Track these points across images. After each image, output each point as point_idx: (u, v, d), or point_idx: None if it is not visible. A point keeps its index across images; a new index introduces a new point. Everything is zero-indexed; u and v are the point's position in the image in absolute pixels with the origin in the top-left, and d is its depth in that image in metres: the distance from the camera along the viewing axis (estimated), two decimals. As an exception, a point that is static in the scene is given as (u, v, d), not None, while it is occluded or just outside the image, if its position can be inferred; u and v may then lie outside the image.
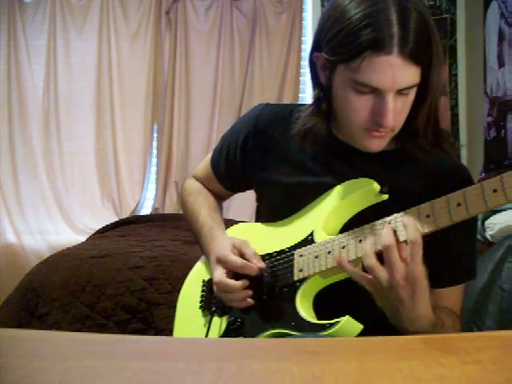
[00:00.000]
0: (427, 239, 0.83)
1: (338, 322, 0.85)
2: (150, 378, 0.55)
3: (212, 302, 1.07)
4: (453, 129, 3.37)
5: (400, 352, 0.64)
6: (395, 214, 0.87)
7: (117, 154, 3.35)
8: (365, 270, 0.86)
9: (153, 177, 3.45)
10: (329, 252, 0.92)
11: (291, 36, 3.40)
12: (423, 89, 0.91)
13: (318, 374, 0.55)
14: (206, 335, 1.04)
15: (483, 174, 2.94)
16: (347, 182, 0.98)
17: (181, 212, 1.32)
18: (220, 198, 1.27)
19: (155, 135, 3.43)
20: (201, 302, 1.10)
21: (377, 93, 0.88)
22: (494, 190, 0.77)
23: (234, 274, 1.01)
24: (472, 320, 1.26)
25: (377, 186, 0.93)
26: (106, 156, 3.35)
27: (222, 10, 3.40)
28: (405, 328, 0.85)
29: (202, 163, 1.27)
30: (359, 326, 0.85)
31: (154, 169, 3.45)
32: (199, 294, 1.11)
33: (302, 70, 3.42)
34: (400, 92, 0.88)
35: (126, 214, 3.28)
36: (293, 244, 1.00)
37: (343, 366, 0.58)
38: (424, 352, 0.64)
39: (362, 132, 0.94)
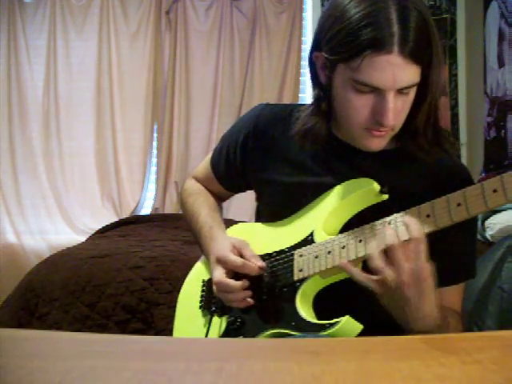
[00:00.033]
0: (427, 239, 0.83)
1: (338, 322, 0.85)
2: (149, 378, 0.55)
3: (212, 302, 1.07)
4: (453, 129, 3.37)
5: (400, 352, 0.64)
6: (395, 214, 0.87)
7: (117, 154, 3.35)
8: (365, 270, 0.86)
9: (153, 177, 3.45)
10: (329, 252, 0.92)
11: (291, 36, 3.40)
12: (423, 88, 0.91)
13: (318, 373, 0.55)
14: (206, 335, 1.04)
15: (483, 174, 2.94)
16: (347, 181, 0.98)
17: (181, 212, 1.32)
18: (220, 199, 1.27)
19: (155, 135, 3.42)
20: (201, 301, 1.10)
21: (377, 92, 0.88)
22: (494, 190, 0.77)
23: (234, 274, 1.01)
24: (472, 320, 1.26)
25: (377, 186, 0.93)
26: (105, 156, 3.35)
27: (221, 10, 3.40)
28: (410, 328, 0.85)
29: (201, 163, 1.27)
30: (359, 326, 0.85)
31: (154, 169, 3.45)
32: (199, 293, 1.11)
33: (302, 70, 3.42)
34: (400, 91, 0.88)
35: (126, 214, 3.28)
36: (293, 244, 1.00)
37: (343, 366, 0.58)
38: (424, 352, 0.64)
39: (362, 131, 0.94)
